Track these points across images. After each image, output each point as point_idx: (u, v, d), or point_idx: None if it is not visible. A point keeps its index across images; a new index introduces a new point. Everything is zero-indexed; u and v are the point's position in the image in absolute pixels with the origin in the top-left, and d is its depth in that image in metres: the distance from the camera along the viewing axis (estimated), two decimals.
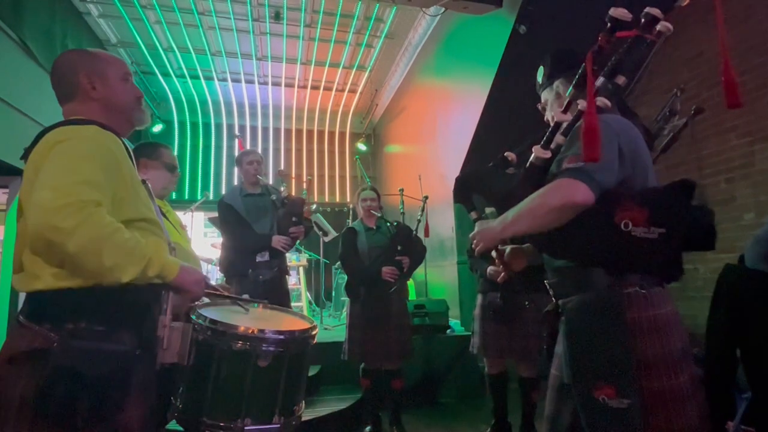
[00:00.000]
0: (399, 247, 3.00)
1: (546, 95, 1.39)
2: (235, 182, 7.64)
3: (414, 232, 3.21)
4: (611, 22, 1.05)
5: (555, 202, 1.08)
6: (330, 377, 3.73)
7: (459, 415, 3.64)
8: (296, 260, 5.92)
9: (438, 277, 5.35)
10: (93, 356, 1.00)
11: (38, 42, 4.29)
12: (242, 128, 7.98)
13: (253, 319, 1.50)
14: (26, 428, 0.95)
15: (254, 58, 6.60)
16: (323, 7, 5.53)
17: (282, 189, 3.14)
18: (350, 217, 6.09)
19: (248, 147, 7.52)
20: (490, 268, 2.59)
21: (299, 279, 6.02)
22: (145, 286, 1.12)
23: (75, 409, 0.95)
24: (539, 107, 1.43)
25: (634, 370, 1.05)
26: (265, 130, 8.22)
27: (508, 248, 1.42)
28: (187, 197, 7.30)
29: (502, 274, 1.43)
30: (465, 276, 4.71)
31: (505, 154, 1.37)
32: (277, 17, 5.66)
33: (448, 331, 4.31)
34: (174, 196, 6.80)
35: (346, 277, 3.21)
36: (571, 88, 1.15)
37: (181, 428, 1.33)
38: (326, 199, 8.26)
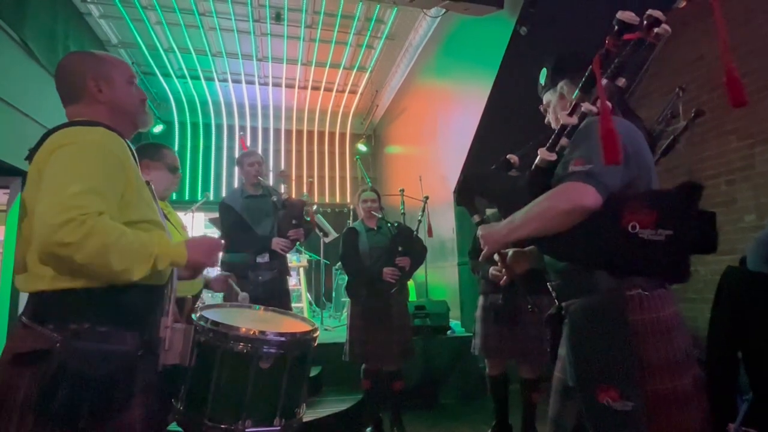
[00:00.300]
0: (400, 248, 3.00)
1: (549, 97, 1.39)
2: (236, 183, 7.65)
3: (415, 233, 3.21)
4: (619, 25, 1.05)
5: (564, 205, 1.08)
6: (331, 378, 3.73)
7: (460, 416, 3.64)
8: (296, 261, 5.92)
9: (438, 278, 5.35)
10: (96, 357, 1.00)
11: (39, 42, 4.30)
12: (242, 129, 7.99)
13: (254, 321, 1.50)
14: (29, 429, 0.96)
15: (255, 58, 6.60)
16: (324, 8, 5.53)
17: (282, 190, 3.14)
18: (351, 218, 6.09)
19: (248, 146, 7.52)
20: (492, 269, 2.59)
21: (299, 280, 6.02)
22: (148, 287, 1.13)
23: (78, 410, 0.95)
24: (541, 109, 1.43)
25: (638, 372, 1.04)
26: (266, 130, 8.23)
27: (510, 251, 1.42)
28: (187, 198, 7.30)
29: (505, 276, 1.43)
30: (465, 277, 4.71)
31: (508, 156, 1.37)
32: (277, 18, 5.67)
33: (449, 332, 4.31)
34: (174, 197, 6.80)
35: (346, 277, 3.21)
36: (577, 90, 1.15)
37: (181, 430, 1.33)
38: (326, 200, 8.27)
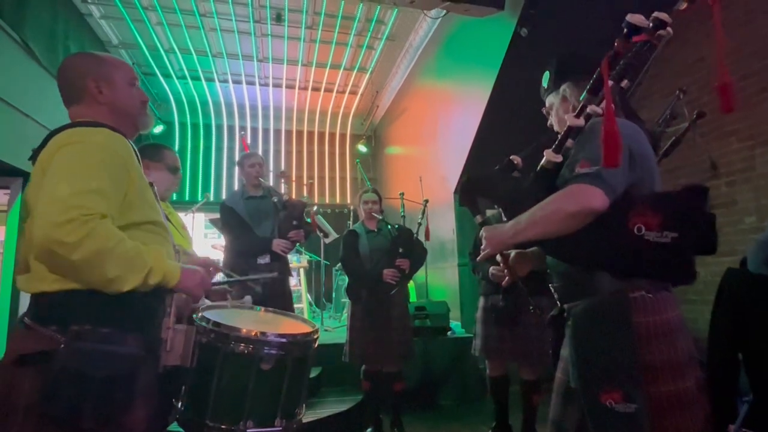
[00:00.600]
0: (400, 250, 3.00)
1: (551, 100, 1.39)
2: (236, 183, 7.65)
3: (415, 235, 3.21)
4: (628, 28, 1.05)
5: (571, 208, 1.07)
6: (331, 379, 3.73)
7: (460, 417, 3.64)
8: (297, 262, 5.92)
9: (438, 279, 5.35)
10: (99, 358, 1.00)
11: (40, 43, 4.30)
12: (243, 129, 7.99)
13: (255, 322, 1.50)
14: (32, 430, 0.96)
15: (255, 59, 6.60)
16: (324, 8, 5.54)
17: (283, 191, 3.14)
18: (351, 219, 6.09)
19: (249, 146, 7.52)
20: (492, 269, 2.59)
21: (300, 280, 6.02)
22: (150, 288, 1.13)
23: (81, 411, 0.95)
24: (544, 111, 1.43)
25: (641, 374, 1.04)
26: (266, 131, 8.23)
27: (513, 252, 1.42)
28: (187, 198, 7.30)
29: (507, 278, 1.43)
30: (465, 278, 4.71)
31: (511, 157, 1.37)
32: (278, 19, 5.67)
33: (449, 333, 4.31)
34: (174, 197, 6.80)
35: (346, 278, 3.21)
36: (585, 93, 1.15)
37: (183, 430, 1.33)
38: (327, 201, 8.27)
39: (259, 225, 2.97)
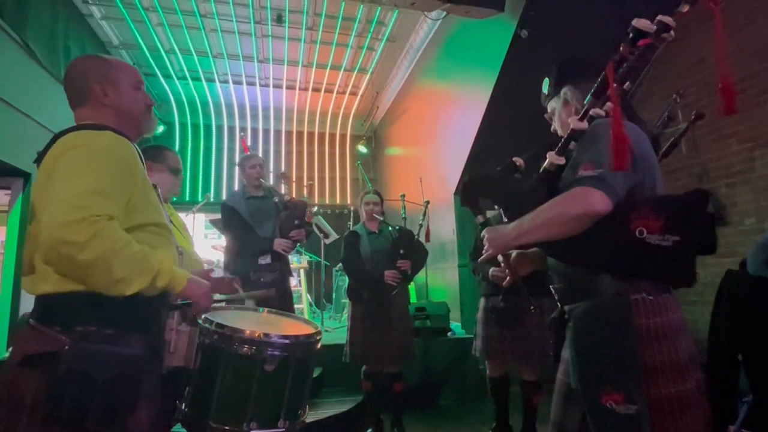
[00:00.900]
0: (401, 251, 3.01)
1: (553, 104, 1.39)
2: (236, 184, 7.65)
3: (416, 236, 3.22)
4: (634, 32, 1.06)
5: (575, 211, 1.08)
6: (331, 379, 3.73)
7: (460, 417, 3.65)
8: (297, 262, 5.93)
9: (439, 280, 5.36)
10: (103, 359, 1.01)
11: (41, 44, 4.30)
12: (243, 130, 8.00)
13: (258, 324, 1.51)
14: (37, 430, 0.96)
15: (256, 60, 6.61)
16: (325, 10, 5.54)
17: (283, 191, 3.14)
18: (351, 220, 6.10)
19: (249, 147, 7.52)
20: (492, 270, 2.60)
21: (300, 281, 6.02)
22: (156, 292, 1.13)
23: (85, 412, 0.96)
24: (546, 118, 1.44)
25: (642, 376, 1.05)
26: (266, 132, 8.24)
27: (514, 253, 1.43)
28: (188, 199, 7.30)
29: (508, 278, 1.44)
30: (466, 278, 4.72)
31: (513, 158, 1.37)
32: (279, 20, 5.68)
33: (449, 333, 4.31)
34: (175, 198, 6.81)
35: (346, 279, 3.22)
36: (589, 96, 1.16)
37: (186, 431, 1.34)
38: (327, 201, 8.27)
39: (261, 225, 2.98)
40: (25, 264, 1.11)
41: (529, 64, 3.05)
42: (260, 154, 6.55)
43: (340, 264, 3.28)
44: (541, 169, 1.22)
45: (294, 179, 8.02)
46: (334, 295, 6.76)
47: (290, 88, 7.38)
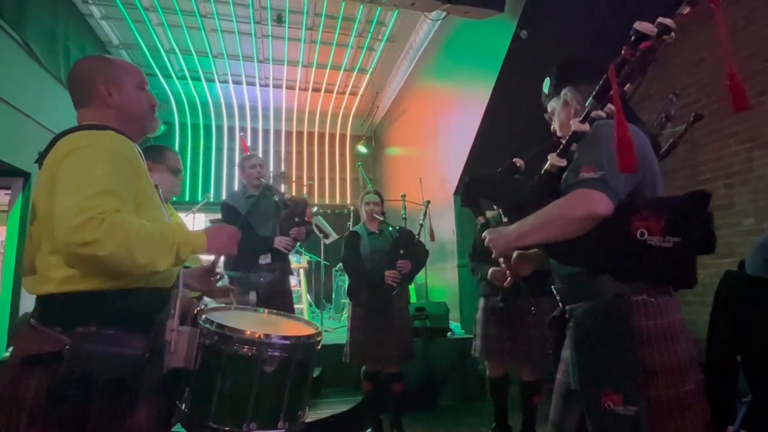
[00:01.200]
0: (401, 251, 3.01)
1: (553, 105, 1.40)
2: (236, 183, 7.65)
3: (416, 237, 3.22)
4: (636, 35, 1.06)
5: (577, 213, 1.08)
6: (331, 379, 3.74)
7: (460, 418, 3.65)
8: (297, 262, 5.93)
9: (438, 280, 5.36)
10: (104, 360, 1.01)
11: (41, 44, 4.30)
12: (243, 130, 8.00)
13: (258, 324, 1.51)
14: (38, 430, 0.96)
15: (256, 60, 6.61)
16: (325, 10, 5.55)
17: (283, 190, 3.14)
18: (350, 220, 6.10)
19: (249, 147, 7.52)
20: (492, 270, 2.60)
21: (299, 281, 6.03)
22: (154, 289, 1.14)
23: (86, 412, 0.96)
24: (546, 117, 1.44)
25: (641, 377, 1.05)
26: (266, 132, 8.24)
27: (514, 254, 1.43)
28: (187, 199, 7.30)
29: (509, 278, 1.44)
30: (465, 279, 4.72)
31: (514, 159, 1.38)
32: (279, 20, 5.68)
33: (449, 333, 4.32)
34: (174, 198, 6.82)
35: (346, 279, 3.22)
36: (591, 99, 1.16)
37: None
38: (326, 201, 8.28)
39: (261, 224, 2.98)
40: (25, 264, 1.11)
41: (528, 65, 3.05)
42: (260, 154, 6.57)
43: (340, 264, 3.28)
44: (542, 171, 1.22)
45: (294, 179, 8.02)
46: (333, 296, 6.76)
47: (290, 88, 7.39)
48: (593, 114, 1.15)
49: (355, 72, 7.02)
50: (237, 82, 7.20)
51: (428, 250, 3.36)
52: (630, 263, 1.09)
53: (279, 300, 2.84)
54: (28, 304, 4.01)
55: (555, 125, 1.40)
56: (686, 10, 1.07)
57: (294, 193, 7.32)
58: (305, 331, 1.47)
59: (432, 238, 3.54)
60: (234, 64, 6.72)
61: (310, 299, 6.20)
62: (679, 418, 1.05)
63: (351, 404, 3.33)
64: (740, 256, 2.15)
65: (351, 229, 3.37)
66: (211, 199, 6.55)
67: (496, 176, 1.40)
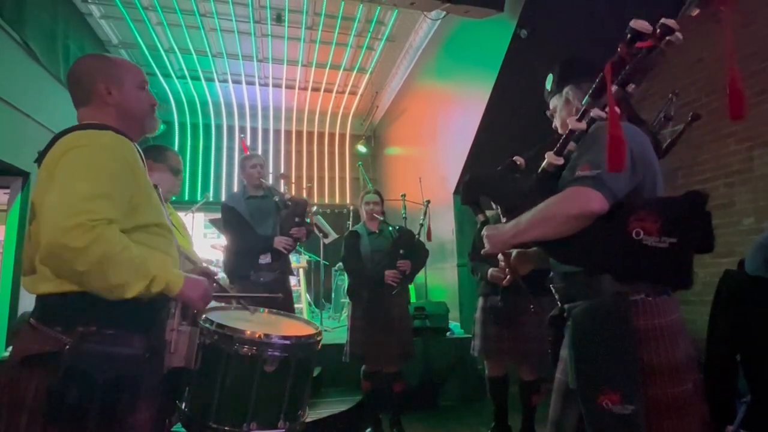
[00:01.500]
0: (401, 251, 3.01)
1: (554, 102, 1.40)
2: (235, 183, 7.65)
3: (416, 236, 3.22)
4: (632, 33, 1.06)
5: (570, 210, 1.09)
6: (330, 379, 3.74)
7: (459, 417, 3.65)
8: (296, 262, 5.93)
9: (438, 280, 5.36)
10: (104, 359, 1.01)
11: (40, 43, 4.29)
12: (242, 129, 7.99)
13: (259, 324, 1.51)
14: (38, 430, 0.96)
15: (255, 59, 6.61)
16: (324, 9, 5.54)
17: (283, 190, 3.14)
18: (350, 219, 6.10)
19: (249, 147, 7.52)
20: (491, 270, 2.60)
21: (299, 280, 6.03)
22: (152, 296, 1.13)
23: (86, 412, 0.96)
24: (548, 114, 1.45)
25: (640, 377, 1.06)
26: (266, 131, 8.23)
27: (514, 252, 1.43)
28: (187, 198, 7.29)
29: (508, 277, 1.45)
30: (465, 278, 4.72)
31: (514, 158, 1.38)
32: (278, 19, 5.67)
33: (448, 333, 4.32)
34: (174, 197, 6.82)
35: (345, 278, 3.22)
36: (587, 97, 1.16)
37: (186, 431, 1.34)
38: (326, 201, 8.27)
39: (261, 224, 2.98)
40: (25, 264, 1.11)
41: (528, 64, 3.06)
42: (260, 154, 6.55)
43: (339, 264, 3.28)
44: (540, 169, 1.22)
45: (293, 179, 8.02)
46: (333, 295, 6.75)
47: (289, 87, 7.38)
48: (594, 114, 1.15)
49: (355, 71, 7.02)
50: (236, 82, 7.19)
51: (428, 250, 3.36)
52: (627, 263, 1.09)
53: (280, 301, 2.84)
54: (27, 303, 4.01)
55: (556, 122, 1.41)
56: (695, 11, 1.06)
57: (293, 194, 7.31)
58: (305, 330, 1.48)
59: (429, 237, 3.53)
60: (233, 64, 6.71)
61: (309, 299, 6.19)
62: (677, 417, 1.05)
63: (350, 404, 3.33)
64: (740, 255, 2.15)
65: (351, 228, 3.37)
66: (211, 199, 6.55)
67: (497, 175, 1.40)
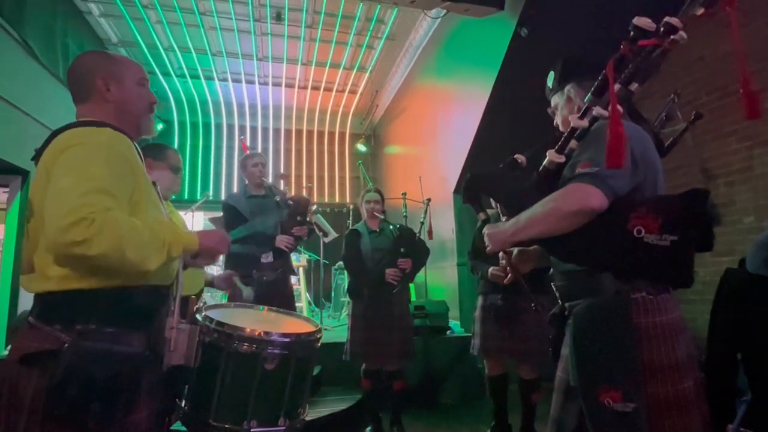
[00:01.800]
0: (402, 250, 3.01)
1: (556, 100, 1.40)
2: (235, 182, 7.65)
3: (417, 235, 3.22)
4: (635, 31, 1.05)
5: (570, 207, 1.09)
6: (330, 378, 3.74)
7: (459, 416, 3.65)
8: (296, 261, 5.93)
9: (438, 279, 5.36)
10: (104, 357, 1.01)
11: (39, 41, 4.29)
12: (242, 128, 7.98)
13: (259, 322, 1.51)
14: (37, 429, 0.96)
15: (255, 58, 6.60)
16: (324, 8, 5.53)
17: (284, 190, 3.14)
18: (350, 218, 6.09)
19: (248, 145, 7.52)
20: (492, 269, 2.60)
21: (299, 279, 6.02)
22: (154, 287, 1.13)
23: (86, 410, 0.96)
24: (549, 112, 1.45)
25: (640, 375, 1.05)
26: (265, 130, 8.22)
27: (515, 250, 1.43)
28: (186, 197, 7.28)
29: (509, 276, 1.44)
30: (465, 277, 4.72)
31: (515, 156, 1.38)
32: (278, 18, 5.67)
33: (448, 332, 4.32)
34: (174, 196, 6.81)
35: (345, 277, 3.22)
36: (589, 95, 1.16)
37: (186, 429, 1.34)
38: (326, 200, 8.27)
39: (262, 223, 2.97)
40: (24, 262, 1.10)
41: (528, 63, 3.05)
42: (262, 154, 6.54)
43: (339, 262, 3.28)
44: (541, 167, 1.22)
45: (293, 178, 8.01)
46: (333, 294, 6.75)
47: (289, 86, 7.37)
48: (596, 112, 1.15)
49: (355, 70, 7.01)
50: (236, 81, 7.19)
51: (429, 248, 3.36)
52: (628, 261, 1.09)
53: (279, 298, 2.84)
54: (26, 302, 4.00)
55: (558, 120, 1.40)
56: (700, 11, 1.05)
57: (293, 193, 7.31)
58: (305, 328, 1.47)
59: (430, 236, 3.53)
60: (233, 62, 6.70)
61: (309, 297, 6.19)
62: (678, 416, 1.05)
63: (350, 402, 3.33)
64: (740, 254, 2.15)
65: (351, 227, 3.36)
66: (211, 197, 6.54)
67: (497, 173, 1.40)
